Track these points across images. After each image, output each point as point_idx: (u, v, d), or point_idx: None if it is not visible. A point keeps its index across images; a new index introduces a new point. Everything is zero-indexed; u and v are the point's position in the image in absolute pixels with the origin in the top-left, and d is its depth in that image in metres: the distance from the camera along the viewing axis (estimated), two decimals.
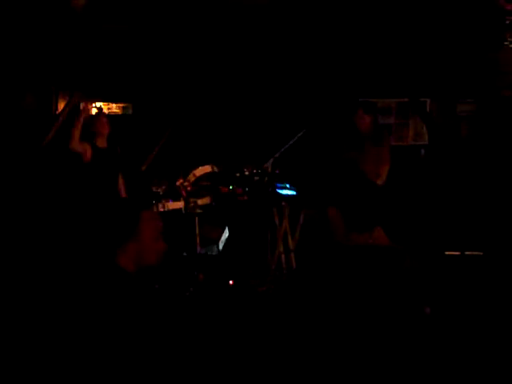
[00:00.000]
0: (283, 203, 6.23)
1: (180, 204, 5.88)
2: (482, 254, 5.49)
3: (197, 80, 7.88)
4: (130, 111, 8.16)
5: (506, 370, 3.64)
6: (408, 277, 3.66)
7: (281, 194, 6.24)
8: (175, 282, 5.20)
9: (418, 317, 3.37)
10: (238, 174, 6.07)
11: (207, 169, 6.09)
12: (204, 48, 7.74)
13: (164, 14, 7.44)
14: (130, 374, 2.22)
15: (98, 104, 7.87)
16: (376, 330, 3.51)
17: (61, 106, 7.69)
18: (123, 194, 6.40)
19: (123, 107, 8.15)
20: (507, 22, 6.61)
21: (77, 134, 6.01)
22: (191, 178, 6.00)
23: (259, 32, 7.59)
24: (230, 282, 5.76)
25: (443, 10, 7.20)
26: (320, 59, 7.75)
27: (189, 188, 5.93)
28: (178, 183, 5.98)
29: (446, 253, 5.57)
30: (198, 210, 5.92)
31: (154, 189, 5.99)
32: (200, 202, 5.97)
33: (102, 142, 6.24)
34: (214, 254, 6.17)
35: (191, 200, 5.90)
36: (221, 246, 6.21)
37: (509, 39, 6.61)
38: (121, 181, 6.41)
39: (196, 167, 6.09)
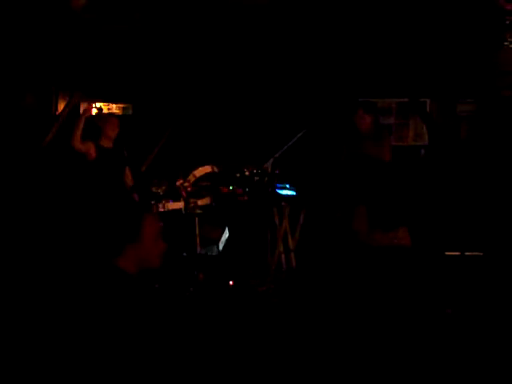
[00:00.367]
0: (283, 203, 6.23)
1: (180, 204, 5.88)
2: (482, 254, 5.49)
3: (197, 80, 7.88)
4: (130, 111, 8.16)
5: (506, 369, 3.64)
6: (429, 278, 3.67)
7: (281, 194, 6.24)
8: (175, 281, 5.20)
9: (439, 318, 3.38)
10: (238, 175, 6.07)
11: (207, 169, 6.10)
12: (204, 48, 7.74)
13: (164, 14, 7.44)
14: (131, 374, 2.21)
15: (98, 104, 7.88)
16: (394, 330, 3.51)
17: (61, 106, 7.69)
18: (130, 183, 6.50)
19: (123, 107, 8.15)
20: (507, 22, 6.61)
21: (78, 133, 6.03)
22: (191, 178, 6.00)
23: (259, 32, 7.59)
24: (230, 282, 5.77)
25: (443, 10, 7.20)
26: (320, 59, 7.75)
27: (189, 188, 5.93)
28: (177, 183, 5.98)
29: (446, 253, 5.57)
30: (198, 211, 5.92)
31: (154, 189, 5.99)
32: (200, 202, 5.97)
33: (107, 142, 6.27)
34: (213, 254, 6.16)
35: (191, 200, 5.90)
36: (221, 246, 6.21)
37: (509, 39, 6.61)
38: (128, 172, 6.49)
39: (196, 167, 6.09)
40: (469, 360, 3.78)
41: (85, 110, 6.27)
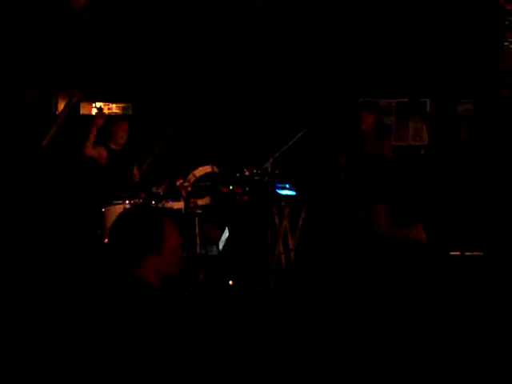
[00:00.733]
0: (283, 203, 6.23)
1: (180, 204, 5.88)
2: (482, 254, 5.49)
3: (197, 80, 7.87)
4: (130, 111, 8.16)
5: (506, 369, 3.64)
6: (445, 277, 3.67)
7: (281, 194, 6.24)
8: (175, 281, 5.20)
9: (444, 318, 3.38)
10: (238, 174, 6.07)
11: (207, 169, 6.10)
12: (204, 48, 7.74)
13: (164, 14, 7.45)
14: (135, 374, 2.20)
15: (98, 104, 7.88)
16: (400, 331, 3.50)
17: (61, 106, 7.69)
18: (137, 177, 6.63)
19: (123, 107, 8.15)
20: (507, 22, 6.62)
21: (90, 141, 6.18)
22: (191, 178, 6.00)
23: (259, 32, 7.60)
24: (230, 281, 5.76)
25: (443, 11, 7.21)
26: (320, 59, 7.75)
27: (189, 188, 5.93)
28: (177, 183, 5.98)
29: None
30: (198, 210, 5.92)
31: (154, 189, 5.99)
32: (200, 202, 5.97)
33: (117, 145, 6.42)
34: (213, 254, 6.16)
35: (191, 200, 5.89)
36: (221, 246, 6.21)
37: (509, 39, 6.62)
38: (136, 172, 6.64)
39: (196, 167, 6.09)
40: (469, 360, 3.78)
41: (97, 120, 6.32)
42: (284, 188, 6.30)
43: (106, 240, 5.81)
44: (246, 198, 6.12)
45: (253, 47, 7.71)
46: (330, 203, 6.15)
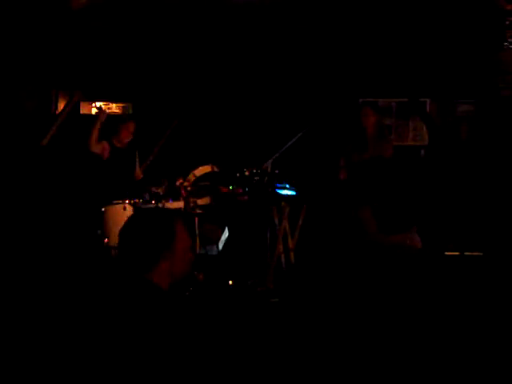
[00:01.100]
0: (283, 203, 6.23)
1: (180, 204, 5.89)
2: (481, 254, 5.49)
3: (197, 80, 7.87)
4: (130, 111, 8.16)
5: (506, 369, 3.64)
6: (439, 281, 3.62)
7: (280, 194, 6.24)
8: (178, 282, 5.19)
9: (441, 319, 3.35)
10: (238, 174, 6.07)
11: (207, 169, 6.10)
12: (204, 48, 7.74)
13: (164, 14, 7.44)
14: (135, 373, 2.19)
15: (98, 104, 7.88)
16: (397, 331, 3.48)
17: (61, 106, 7.69)
18: (139, 175, 6.70)
19: (123, 107, 8.15)
20: (507, 22, 6.62)
21: (94, 136, 6.27)
22: (191, 177, 6.00)
23: (259, 32, 7.60)
24: (230, 281, 5.76)
25: (443, 11, 7.21)
26: (320, 59, 7.75)
27: (189, 188, 5.94)
28: (177, 183, 5.99)
29: (446, 253, 5.57)
30: (198, 210, 5.92)
31: (154, 189, 6.00)
32: (200, 201, 5.97)
33: (121, 144, 6.47)
34: (213, 254, 6.16)
35: (191, 200, 5.90)
36: (221, 246, 6.21)
37: (509, 39, 6.62)
38: (138, 170, 6.71)
39: (196, 167, 6.09)
40: (468, 360, 3.78)
41: (100, 115, 6.42)
42: (284, 188, 6.30)
43: (106, 240, 5.84)
44: (246, 197, 6.12)
45: (253, 47, 7.71)
46: (329, 203, 6.15)
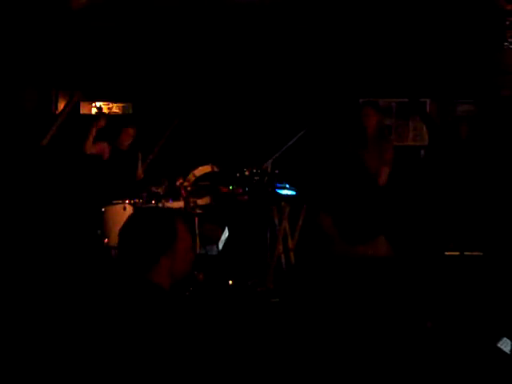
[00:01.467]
0: (283, 203, 6.23)
1: (180, 204, 5.88)
2: (481, 254, 5.49)
3: (197, 80, 7.87)
4: (130, 111, 8.16)
5: (505, 370, 3.64)
6: (409, 289, 3.54)
7: (280, 194, 6.24)
8: (179, 282, 5.19)
9: (419, 331, 3.30)
10: (238, 174, 6.06)
11: (207, 169, 6.10)
12: (204, 48, 7.74)
13: (164, 14, 7.44)
14: (135, 373, 2.19)
15: (98, 104, 7.88)
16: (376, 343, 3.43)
17: (61, 105, 7.69)
18: (141, 174, 6.71)
19: (123, 107, 8.15)
20: (507, 22, 6.62)
21: (90, 139, 6.29)
22: (191, 177, 6.00)
23: (260, 32, 7.59)
24: (230, 281, 5.76)
25: (443, 11, 7.20)
26: (320, 59, 7.74)
27: (189, 188, 5.94)
28: (177, 183, 5.99)
29: (446, 253, 5.57)
30: (198, 210, 5.92)
31: (154, 189, 6.00)
32: (200, 201, 5.97)
33: (122, 146, 6.48)
34: (213, 253, 6.16)
35: (191, 200, 5.90)
36: (221, 246, 6.21)
37: (509, 40, 6.62)
38: (139, 164, 6.73)
39: (196, 167, 6.09)
40: (468, 360, 3.78)
41: (99, 121, 6.43)
42: (284, 188, 6.30)
43: (106, 240, 5.85)
44: (246, 197, 6.12)
45: (253, 47, 7.71)
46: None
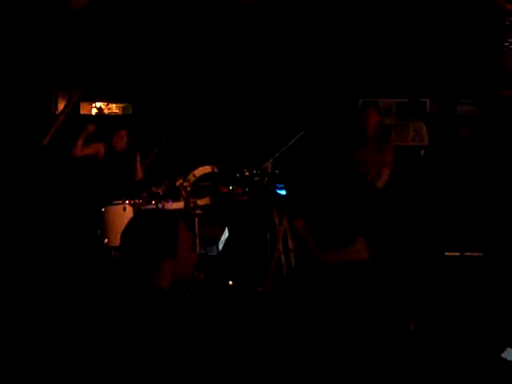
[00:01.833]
0: (283, 203, 6.23)
1: (180, 204, 5.88)
2: (481, 254, 5.49)
3: (197, 80, 7.87)
4: (130, 111, 8.16)
5: (505, 370, 3.64)
6: (391, 294, 3.49)
7: (281, 194, 6.24)
8: (181, 283, 5.19)
9: (402, 333, 3.27)
10: (238, 174, 6.07)
11: (207, 169, 6.10)
12: (204, 48, 7.74)
13: (164, 14, 7.44)
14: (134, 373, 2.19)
15: (98, 104, 7.88)
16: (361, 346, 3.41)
17: (61, 105, 7.69)
18: (140, 175, 6.63)
19: (123, 107, 8.15)
20: (507, 22, 6.62)
21: (78, 145, 6.27)
22: (191, 178, 6.00)
23: (260, 32, 7.60)
24: (230, 282, 5.77)
25: (443, 11, 7.20)
26: (320, 59, 7.74)
27: (189, 188, 5.94)
28: (177, 183, 5.99)
29: (446, 253, 5.57)
30: (198, 211, 5.92)
31: (154, 189, 6.00)
32: (200, 202, 5.97)
33: (119, 147, 6.45)
34: (213, 254, 6.17)
35: (191, 200, 5.90)
36: (221, 246, 6.21)
37: (509, 40, 6.61)
38: (139, 171, 6.65)
39: (196, 167, 6.09)
40: (468, 360, 3.78)
41: (88, 127, 6.43)
42: (284, 188, 6.30)
43: (106, 240, 5.84)
44: (245, 198, 6.12)
45: (253, 47, 7.71)
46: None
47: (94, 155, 6.41)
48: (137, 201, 5.92)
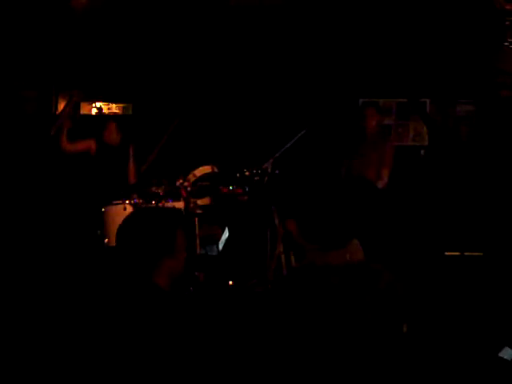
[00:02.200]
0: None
1: (180, 204, 5.88)
2: (481, 254, 5.49)
3: (197, 81, 7.87)
4: (130, 111, 8.16)
5: (505, 370, 3.64)
6: (385, 297, 3.48)
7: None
8: (175, 281, 5.20)
9: (395, 335, 3.27)
10: (238, 174, 6.06)
11: (207, 169, 6.09)
12: (204, 48, 7.74)
13: (164, 14, 7.45)
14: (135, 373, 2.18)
15: (98, 104, 7.88)
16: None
17: (61, 106, 7.69)
18: (132, 179, 6.61)
19: (123, 107, 8.15)
20: (507, 22, 6.61)
21: (63, 134, 6.36)
22: (191, 178, 5.99)
23: (260, 32, 7.60)
24: (230, 282, 5.76)
25: (443, 11, 7.21)
26: (320, 59, 7.75)
27: (189, 188, 5.93)
28: (177, 183, 5.98)
29: (446, 253, 5.57)
30: (198, 211, 5.92)
31: (154, 189, 5.99)
32: (200, 202, 5.96)
33: (110, 140, 6.45)
34: (213, 254, 6.16)
35: (191, 200, 5.89)
36: (221, 246, 6.21)
37: (509, 40, 6.61)
38: (131, 165, 6.63)
39: (196, 167, 6.09)
40: (468, 361, 3.78)
41: (64, 111, 6.43)
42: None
43: (106, 240, 5.84)
44: (245, 198, 6.12)
45: (253, 47, 7.71)
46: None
47: (87, 151, 6.44)
48: (137, 200, 5.91)
